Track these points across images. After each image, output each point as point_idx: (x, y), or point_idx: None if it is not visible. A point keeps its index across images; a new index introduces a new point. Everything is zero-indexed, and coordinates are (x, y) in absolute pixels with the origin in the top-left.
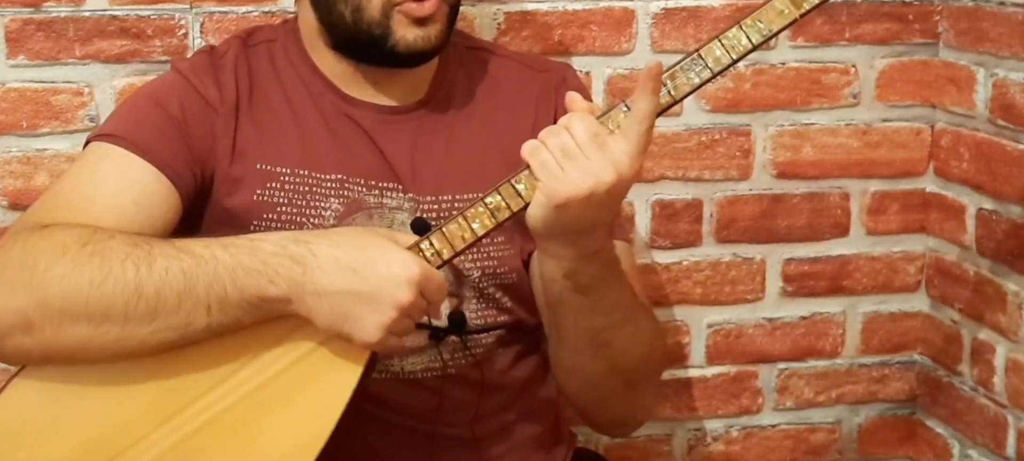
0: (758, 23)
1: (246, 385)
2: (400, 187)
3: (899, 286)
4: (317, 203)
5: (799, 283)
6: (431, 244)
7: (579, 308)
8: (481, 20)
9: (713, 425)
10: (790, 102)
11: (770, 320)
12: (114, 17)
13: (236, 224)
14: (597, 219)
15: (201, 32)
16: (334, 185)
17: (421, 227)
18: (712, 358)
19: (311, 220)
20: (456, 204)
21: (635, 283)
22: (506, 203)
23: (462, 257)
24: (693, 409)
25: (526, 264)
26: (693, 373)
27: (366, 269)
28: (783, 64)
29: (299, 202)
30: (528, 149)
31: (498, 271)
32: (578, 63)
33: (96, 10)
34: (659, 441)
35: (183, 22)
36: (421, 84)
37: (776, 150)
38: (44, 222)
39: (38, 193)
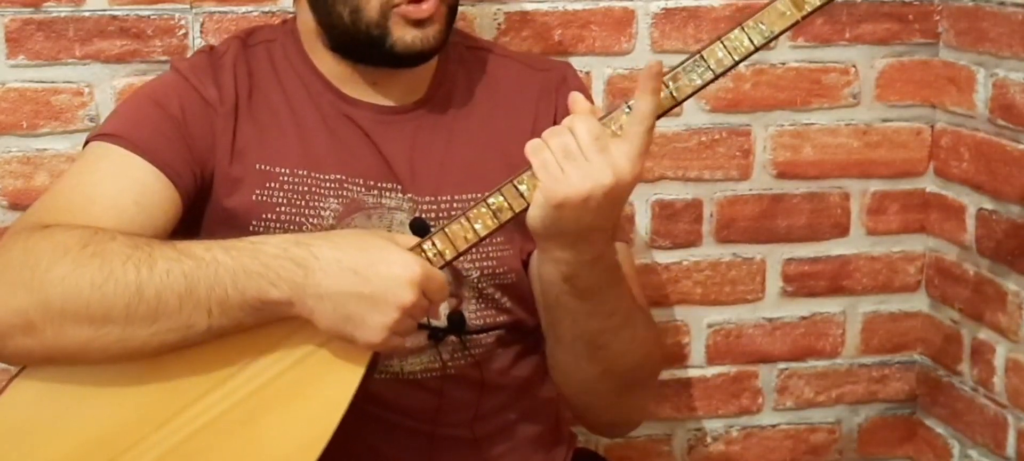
0: (760, 25)
1: (248, 386)
2: (399, 187)
3: (899, 286)
4: (316, 203)
5: (799, 283)
6: (433, 244)
7: (577, 311)
8: (481, 20)
9: (713, 425)
10: (790, 102)
11: (770, 320)
12: (114, 17)
13: (235, 224)
14: (595, 223)
15: (201, 32)
16: (333, 185)
17: (420, 227)
18: (712, 358)
19: (310, 220)
20: (455, 204)
21: (634, 285)
22: (508, 203)
23: (461, 258)
24: (693, 409)
25: (525, 264)
26: (693, 373)
27: (368, 270)
28: (783, 64)
29: (298, 202)
30: (530, 148)
31: (497, 271)
32: (578, 63)
33: (96, 10)
34: (659, 441)
35: (183, 22)
36: (420, 84)
37: (776, 150)
38: (44, 222)
39: (38, 193)
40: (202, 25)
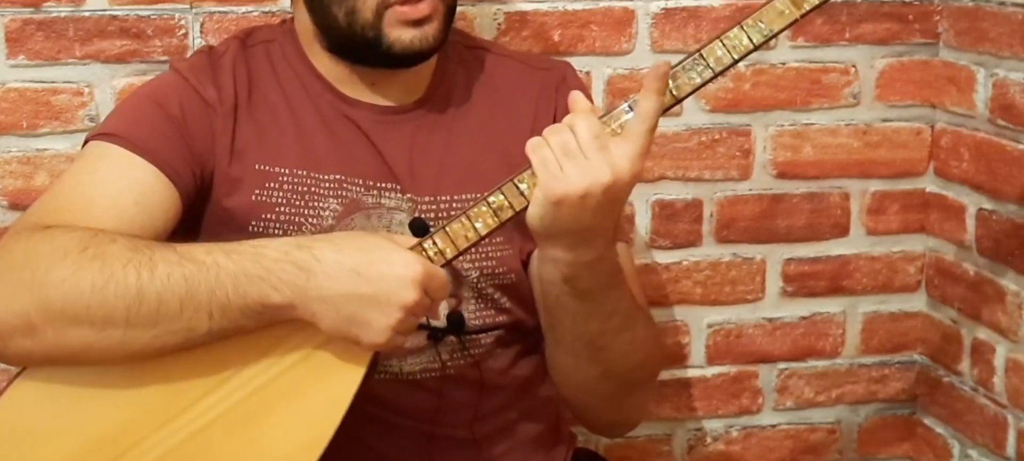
0: (759, 23)
1: (248, 386)
2: (398, 187)
3: (899, 286)
4: (315, 203)
5: (799, 283)
6: (434, 243)
7: (577, 312)
8: (481, 20)
9: (713, 425)
10: (790, 102)
11: (770, 320)
12: (114, 17)
13: (235, 224)
14: (594, 222)
15: (201, 32)
16: (332, 185)
17: (419, 228)
18: (712, 358)
19: (309, 220)
20: (454, 204)
21: (634, 285)
22: (509, 202)
23: (461, 257)
24: (693, 409)
25: (525, 265)
26: (693, 373)
27: (370, 271)
28: (783, 64)
29: (297, 202)
30: (531, 146)
31: (497, 271)
32: (578, 63)
33: (96, 10)
34: (659, 441)
35: (183, 22)
36: (419, 84)
37: (776, 150)
38: (45, 222)
39: (38, 193)
40: (202, 25)
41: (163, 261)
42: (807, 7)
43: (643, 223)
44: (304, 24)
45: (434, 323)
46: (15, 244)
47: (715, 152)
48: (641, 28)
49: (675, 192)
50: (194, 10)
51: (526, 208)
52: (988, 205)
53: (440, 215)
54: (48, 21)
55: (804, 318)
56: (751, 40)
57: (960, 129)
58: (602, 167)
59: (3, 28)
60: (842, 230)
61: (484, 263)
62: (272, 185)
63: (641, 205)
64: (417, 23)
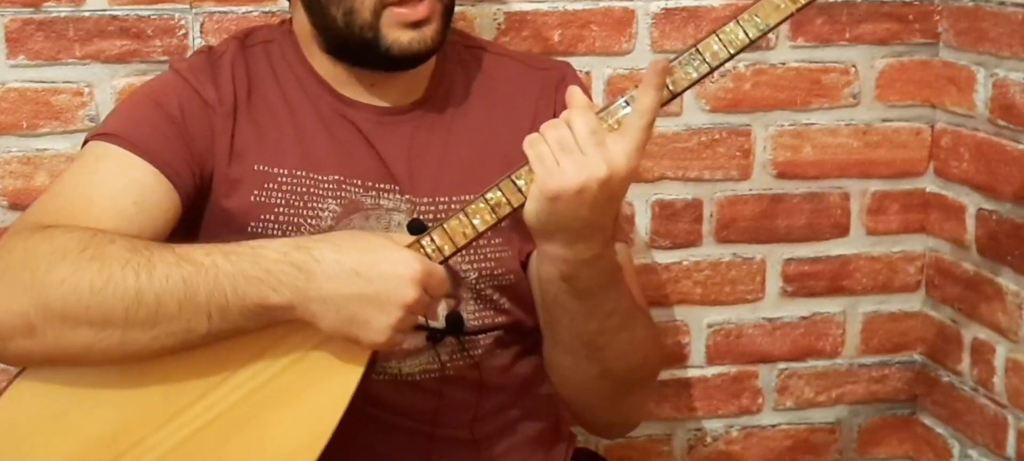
0: (755, 17)
1: (247, 386)
2: (397, 188)
3: (899, 286)
4: (314, 204)
5: (799, 283)
6: (432, 240)
7: (575, 311)
8: (481, 20)
9: (713, 425)
10: (790, 102)
11: (770, 320)
12: (114, 17)
13: (234, 225)
14: (592, 218)
15: (201, 32)
16: (331, 186)
17: (418, 228)
18: (712, 358)
19: (308, 221)
20: (453, 205)
21: (633, 285)
22: (506, 199)
23: (459, 259)
24: (693, 409)
25: (524, 265)
26: (693, 373)
27: (370, 270)
28: (783, 64)
29: (296, 203)
30: (528, 141)
31: (496, 272)
32: (578, 63)
33: (96, 10)
34: (659, 441)
35: (183, 22)
36: (418, 85)
37: (776, 150)
38: (44, 223)
39: (38, 193)
40: (202, 25)
41: (162, 262)
42: (802, 1)
43: (643, 223)
44: (302, 25)
45: (433, 324)
46: (15, 244)
47: (715, 152)
48: (641, 28)
49: (675, 192)
50: (194, 10)
51: (524, 204)
52: (988, 205)
53: (439, 216)
54: (48, 21)
55: (804, 318)
56: (747, 34)
57: (960, 129)
58: (598, 162)
59: (3, 28)
60: (842, 230)
61: (483, 264)
62: (271, 186)
63: (641, 205)
64: (415, 25)
